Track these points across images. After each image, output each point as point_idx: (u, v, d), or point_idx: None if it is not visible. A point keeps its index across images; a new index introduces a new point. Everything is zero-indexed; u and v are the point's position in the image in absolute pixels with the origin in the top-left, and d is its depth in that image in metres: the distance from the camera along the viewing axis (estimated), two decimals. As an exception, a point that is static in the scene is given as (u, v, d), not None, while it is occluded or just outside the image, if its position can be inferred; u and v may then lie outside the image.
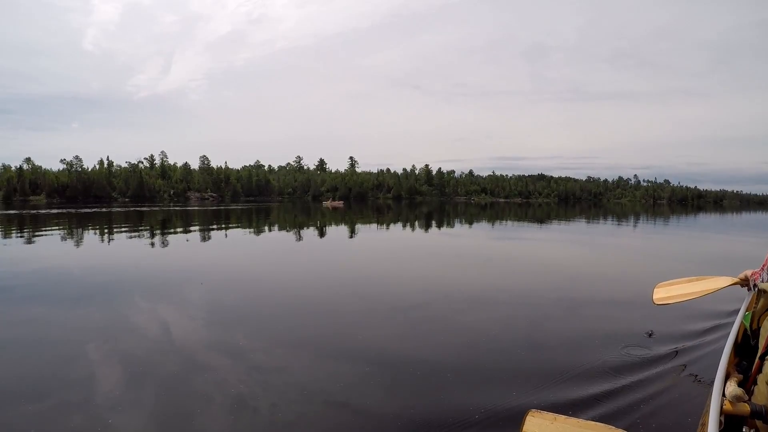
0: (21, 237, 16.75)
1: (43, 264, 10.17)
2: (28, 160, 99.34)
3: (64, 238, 16.27)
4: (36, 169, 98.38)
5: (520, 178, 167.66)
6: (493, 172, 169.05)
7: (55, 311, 6.26)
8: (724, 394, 2.57)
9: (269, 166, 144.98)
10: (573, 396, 3.63)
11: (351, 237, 18.54)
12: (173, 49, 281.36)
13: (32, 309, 6.34)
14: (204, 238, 17.05)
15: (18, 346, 4.84)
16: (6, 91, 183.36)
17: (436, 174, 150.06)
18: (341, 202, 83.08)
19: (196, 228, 21.74)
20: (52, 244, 14.50)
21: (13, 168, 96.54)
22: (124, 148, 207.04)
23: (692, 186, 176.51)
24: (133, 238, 16.40)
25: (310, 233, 20.03)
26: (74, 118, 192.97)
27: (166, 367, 4.22)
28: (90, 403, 3.51)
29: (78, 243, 14.87)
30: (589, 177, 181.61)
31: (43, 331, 5.38)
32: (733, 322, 3.68)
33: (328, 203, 72.08)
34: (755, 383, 2.76)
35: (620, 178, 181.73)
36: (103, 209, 43.55)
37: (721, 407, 2.43)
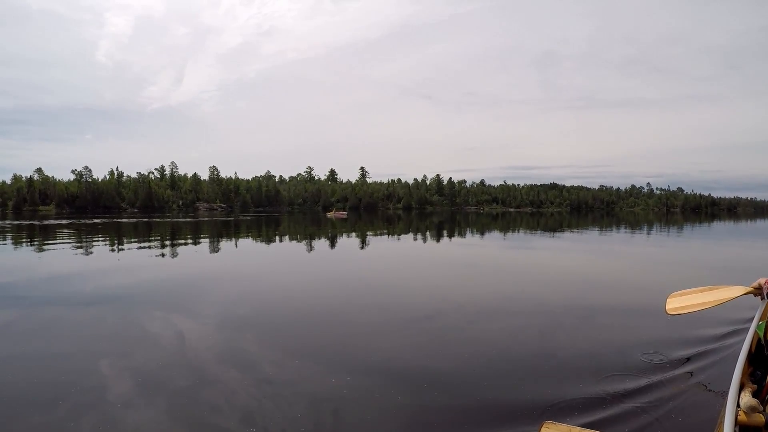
0: (31, 247, 17.00)
1: (54, 274, 10.34)
2: (39, 170, 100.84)
3: (74, 249, 16.47)
4: (46, 179, 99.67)
5: (532, 188, 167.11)
6: (504, 182, 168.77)
7: (67, 320, 6.36)
8: (738, 405, 2.55)
9: (280, 176, 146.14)
10: (586, 406, 3.62)
11: (362, 247, 18.56)
12: (185, 61, 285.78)
13: (45, 317, 6.46)
14: (213, 249, 17.18)
15: (31, 354, 4.92)
16: (20, 103, 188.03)
17: (447, 184, 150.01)
18: (345, 212, 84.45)
19: (205, 238, 21.89)
20: (62, 254, 14.68)
21: (23, 178, 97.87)
22: (137, 158, 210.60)
23: (706, 193, 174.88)
24: (143, 249, 16.57)
25: (320, 243, 20.10)
26: (88, 129, 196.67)
27: (177, 377, 4.26)
28: (101, 410, 3.56)
29: (88, 253, 15.05)
30: (602, 185, 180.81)
31: (55, 339, 5.46)
32: (746, 331, 3.65)
33: (331, 213, 73.01)
34: (770, 393, 2.74)
35: (633, 186, 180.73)
36: (114, 220, 44.00)
37: (736, 418, 2.41)
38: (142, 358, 4.80)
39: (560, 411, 3.52)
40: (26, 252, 15.68)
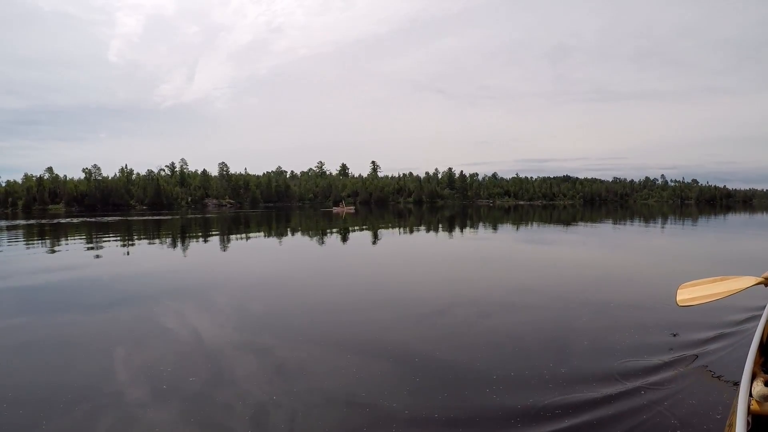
0: (42, 246, 17.29)
1: (68, 272, 10.53)
2: (49, 169, 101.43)
3: (84, 248, 16.70)
4: (56, 178, 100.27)
5: (545, 180, 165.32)
6: (517, 174, 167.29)
7: (83, 318, 6.48)
8: (750, 394, 2.55)
9: (291, 171, 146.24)
10: (598, 395, 3.63)
11: (373, 242, 18.60)
12: (197, 59, 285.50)
13: (62, 316, 6.59)
14: (222, 244, 17.32)
15: (47, 350, 5.04)
16: (33, 103, 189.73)
17: (458, 177, 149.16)
18: (352, 207, 73.44)
19: (210, 235, 22.06)
20: (75, 253, 14.91)
21: (34, 178, 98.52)
22: (151, 156, 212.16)
23: (721, 185, 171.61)
24: (154, 246, 16.77)
25: (330, 239, 20.17)
26: (102, 127, 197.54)
27: (193, 371, 4.33)
28: (120, 406, 3.64)
29: (100, 251, 15.25)
30: (616, 178, 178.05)
31: (71, 336, 5.59)
32: (757, 321, 3.63)
33: (339, 209, 61.06)
34: (781, 383, 2.73)
35: (647, 178, 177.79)
36: (125, 218, 44.23)
37: (749, 407, 2.42)
38: (157, 351, 4.92)
39: (571, 401, 3.54)
40: (41, 252, 15.95)
